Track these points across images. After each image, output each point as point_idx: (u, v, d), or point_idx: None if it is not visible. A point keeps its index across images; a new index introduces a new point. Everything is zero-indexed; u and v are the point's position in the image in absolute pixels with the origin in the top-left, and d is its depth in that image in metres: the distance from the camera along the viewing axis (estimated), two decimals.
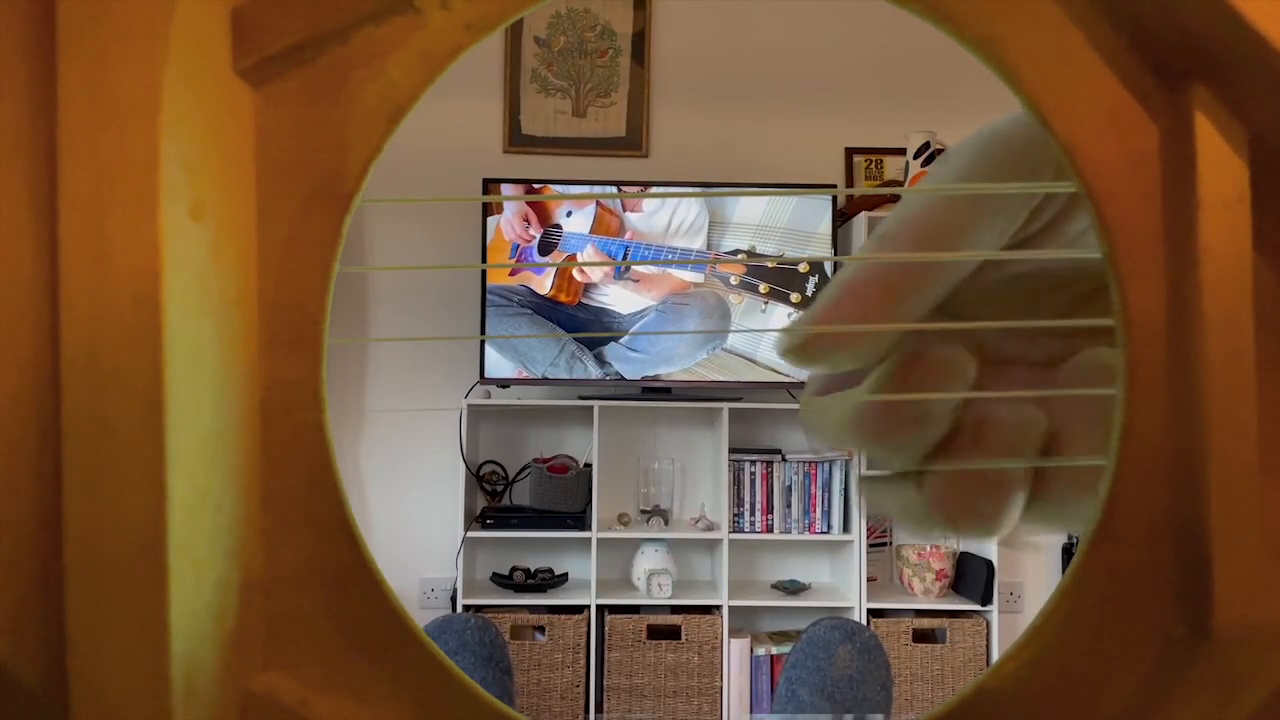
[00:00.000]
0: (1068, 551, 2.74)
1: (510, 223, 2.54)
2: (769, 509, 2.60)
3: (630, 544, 2.61)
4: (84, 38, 0.16)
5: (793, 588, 2.58)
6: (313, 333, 0.19)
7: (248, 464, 0.18)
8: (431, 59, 0.19)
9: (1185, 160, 0.18)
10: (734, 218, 2.57)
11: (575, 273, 2.54)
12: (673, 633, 2.48)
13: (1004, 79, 0.19)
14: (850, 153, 2.87)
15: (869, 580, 2.54)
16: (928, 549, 2.59)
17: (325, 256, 0.19)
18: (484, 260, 2.56)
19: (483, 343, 2.52)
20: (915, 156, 2.60)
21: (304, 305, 0.19)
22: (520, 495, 2.71)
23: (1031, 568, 2.81)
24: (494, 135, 2.82)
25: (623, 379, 2.55)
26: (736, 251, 2.56)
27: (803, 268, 2.51)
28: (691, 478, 2.78)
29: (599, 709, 2.47)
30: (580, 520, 2.54)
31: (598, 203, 2.57)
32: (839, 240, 2.63)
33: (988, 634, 2.52)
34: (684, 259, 2.55)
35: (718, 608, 2.52)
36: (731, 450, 2.56)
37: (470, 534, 2.53)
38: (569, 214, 2.55)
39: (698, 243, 2.57)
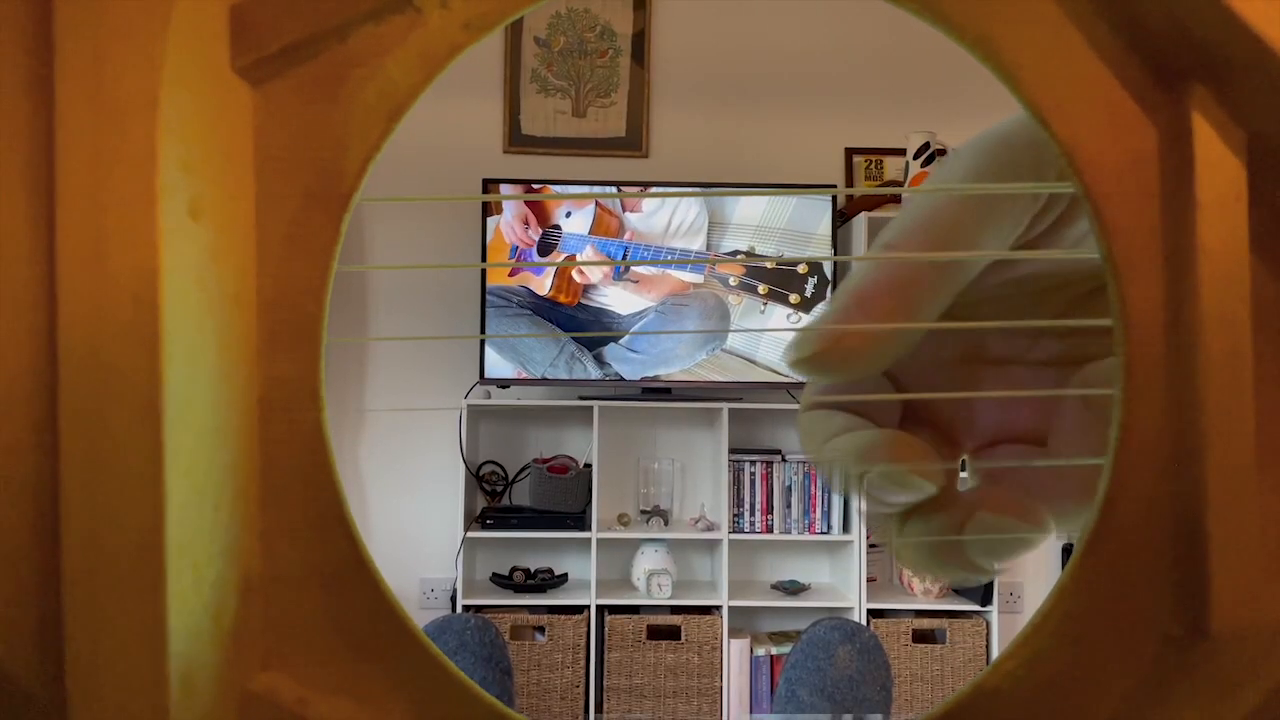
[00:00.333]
0: (1068, 551, 2.73)
1: (510, 225, 2.54)
2: (769, 509, 2.60)
3: (630, 544, 2.61)
4: (82, 37, 0.16)
5: (792, 588, 2.58)
6: (311, 332, 0.19)
7: (246, 463, 0.18)
8: (430, 58, 0.19)
9: (1183, 161, 0.18)
10: (733, 218, 2.57)
11: (575, 273, 2.54)
12: (673, 633, 2.48)
13: (1002, 79, 0.19)
14: (850, 153, 2.87)
15: (869, 580, 2.54)
16: None
17: (324, 256, 0.19)
18: (484, 260, 2.56)
19: (483, 343, 2.52)
20: (915, 157, 2.60)
21: (302, 304, 0.19)
22: (520, 495, 2.71)
23: (1031, 568, 2.81)
24: (494, 135, 2.82)
25: (622, 379, 2.55)
26: (736, 252, 2.56)
27: (801, 268, 2.51)
28: (691, 478, 2.78)
29: (599, 709, 2.46)
30: (580, 520, 2.53)
31: (597, 203, 2.57)
32: (839, 241, 2.63)
33: (987, 634, 2.52)
34: (683, 259, 2.55)
35: (717, 608, 2.52)
36: (731, 450, 2.56)
37: (470, 534, 2.53)
38: (568, 214, 2.55)
39: (697, 243, 2.57)
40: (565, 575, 2.61)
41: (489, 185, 2.59)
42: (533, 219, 2.54)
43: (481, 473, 2.71)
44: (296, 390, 0.19)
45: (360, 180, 0.19)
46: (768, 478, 2.61)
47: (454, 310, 2.74)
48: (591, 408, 2.54)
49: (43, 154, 0.16)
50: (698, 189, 2.65)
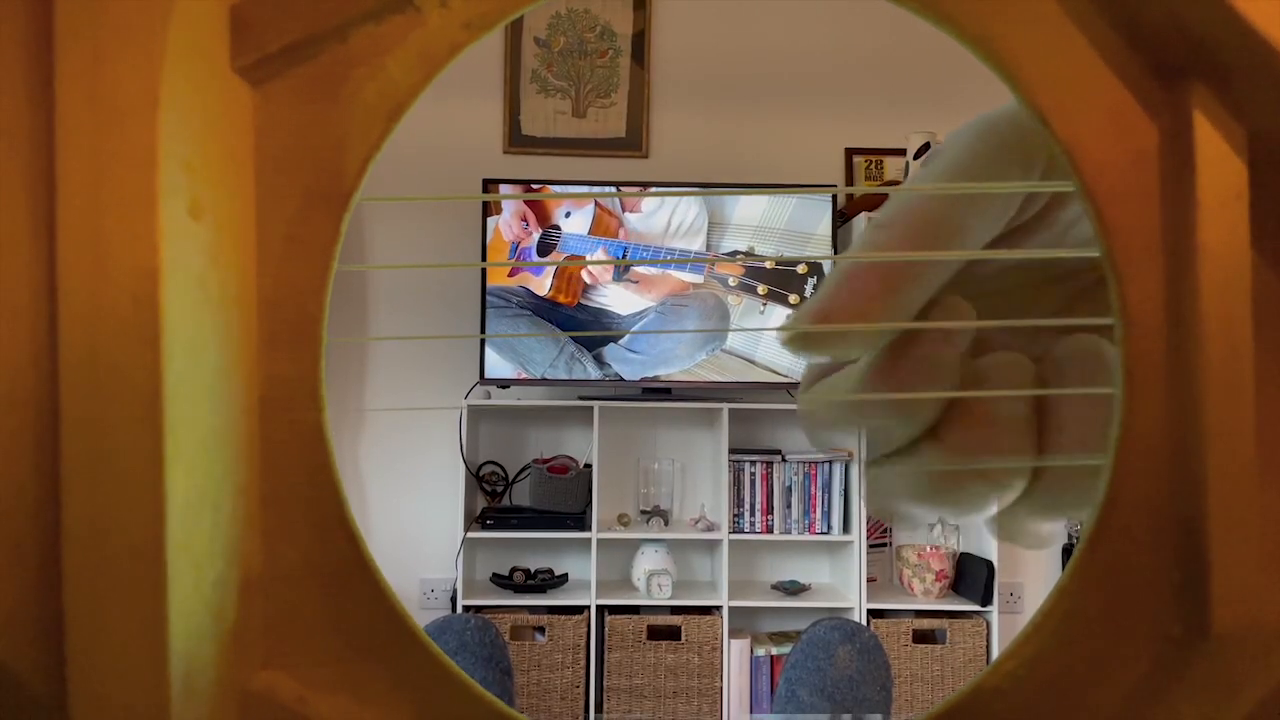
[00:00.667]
0: (1068, 552, 2.73)
1: (509, 224, 2.54)
2: (769, 509, 2.60)
3: (630, 544, 2.61)
4: (82, 36, 0.16)
5: (793, 588, 2.58)
6: (311, 331, 0.19)
7: (246, 463, 0.18)
8: (430, 57, 0.19)
9: (1184, 159, 0.18)
10: (733, 218, 2.57)
11: (584, 272, 2.54)
12: (673, 633, 2.48)
13: (1003, 78, 0.19)
14: (850, 153, 2.87)
15: (869, 581, 2.54)
16: (928, 549, 2.59)
17: (324, 255, 0.19)
18: (484, 260, 2.56)
19: (483, 343, 2.52)
20: (915, 157, 2.60)
21: (303, 304, 0.19)
22: (520, 496, 2.71)
23: (1031, 568, 2.81)
24: (494, 136, 2.82)
25: (622, 380, 2.55)
26: (735, 253, 2.56)
27: (801, 269, 2.51)
28: (691, 478, 2.78)
29: (599, 709, 2.46)
30: (580, 521, 2.54)
31: (596, 203, 2.57)
32: (839, 241, 2.63)
33: (988, 634, 2.52)
34: (682, 260, 2.55)
35: (718, 608, 2.52)
36: (731, 451, 2.56)
37: (470, 534, 2.53)
38: (567, 215, 2.55)
39: (697, 243, 2.57)
40: (565, 575, 2.61)
41: (489, 185, 2.59)
42: (532, 218, 2.54)
43: (482, 473, 2.71)
44: (297, 390, 0.19)
45: (360, 180, 0.19)
46: (768, 478, 2.61)
47: (454, 310, 2.74)
48: (592, 408, 2.54)
49: (43, 154, 0.16)
50: (697, 189, 2.65)
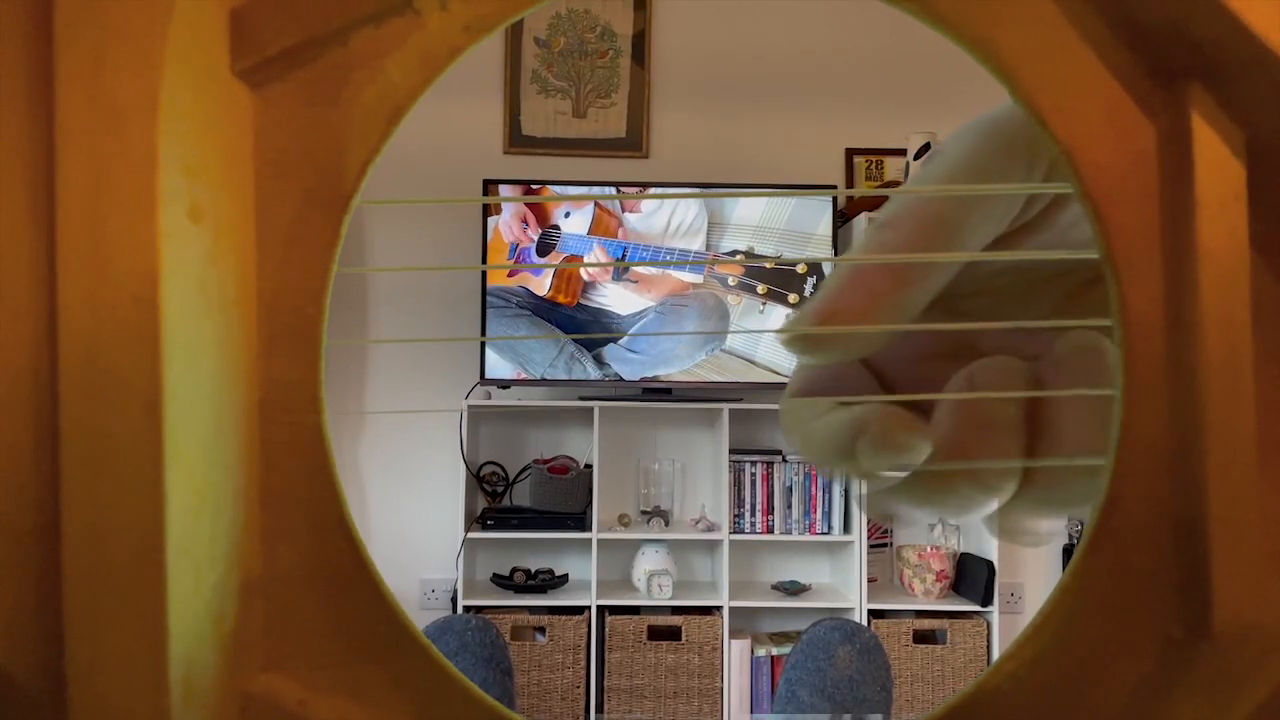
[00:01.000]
0: (1068, 552, 2.73)
1: (509, 224, 2.54)
2: (769, 510, 2.60)
3: (630, 545, 2.61)
4: (82, 39, 0.16)
5: (793, 588, 2.58)
6: (311, 333, 0.19)
7: (246, 465, 0.18)
8: (430, 60, 0.19)
9: (1183, 160, 0.18)
10: (733, 218, 2.57)
11: (583, 271, 2.54)
12: (673, 633, 2.48)
13: (1001, 80, 0.19)
14: (850, 154, 2.87)
15: (869, 581, 2.54)
16: (928, 550, 2.59)
17: (324, 257, 0.19)
18: (484, 261, 2.56)
19: (483, 344, 2.52)
20: (916, 158, 2.60)
21: (302, 306, 0.19)
22: (520, 496, 2.71)
23: (1032, 568, 2.81)
24: (494, 136, 2.82)
25: (622, 380, 2.55)
26: (735, 252, 2.56)
27: (800, 268, 2.51)
28: (692, 478, 2.78)
29: (599, 710, 2.46)
30: (580, 521, 2.53)
31: (596, 204, 2.57)
32: (839, 241, 2.63)
33: (988, 635, 2.52)
34: (682, 260, 2.55)
35: (718, 608, 2.52)
36: (732, 451, 2.56)
37: (470, 535, 2.53)
38: (567, 215, 2.55)
39: (696, 244, 2.57)
40: (566, 576, 2.61)
41: (489, 186, 2.59)
42: (532, 219, 2.54)
43: (482, 473, 2.71)
44: (296, 392, 0.19)
45: (360, 182, 0.19)
46: (768, 478, 2.61)
47: (454, 311, 2.74)
48: (592, 408, 2.54)
49: (43, 156, 0.16)
50: (697, 190, 2.65)
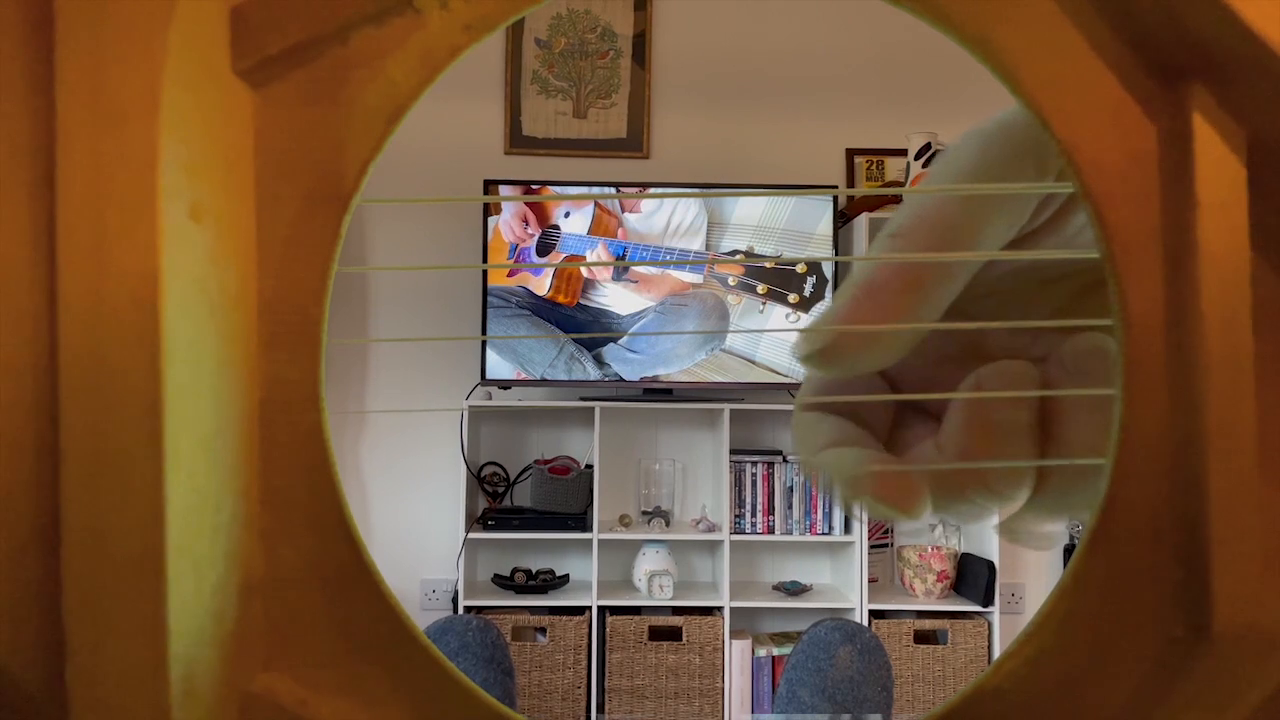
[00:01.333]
0: (1069, 552, 2.73)
1: (509, 224, 2.54)
2: (770, 510, 2.60)
3: (631, 545, 2.61)
4: (83, 38, 0.16)
5: (794, 589, 2.58)
6: (311, 333, 0.19)
7: (247, 464, 0.18)
8: (431, 59, 0.19)
9: (1183, 161, 0.18)
10: (732, 218, 2.57)
11: (579, 271, 2.54)
12: (674, 634, 2.48)
13: (1002, 79, 0.19)
14: (851, 154, 2.87)
15: (870, 581, 2.54)
16: (929, 550, 2.59)
17: (324, 257, 0.19)
18: (484, 262, 2.56)
19: (484, 344, 2.52)
20: (916, 158, 2.60)
21: (303, 306, 0.19)
22: (521, 496, 2.71)
23: (1033, 568, 2.81)
24: (495, 137, 2.82)
25: (622, 380, 2.55)
26: (735, 252, 2.56)
27: (800, 268, 2.51)
28: (692, 479, 2.78)
29: (600, 710, 2.46)
30: (581, 521, 2.53)
31: (596, 203, 2.57)
32: (840, 241, 2.63)
33: (989, 635, 2.52)
34: (682, 260, 2.55)
35: (719, 609, 2.52)
36: (732, 451, 2.56)
37: (471, 535, 2.53)
38: (567, 214, 2.55)
39: (696, 243, 2.57)
40: (566, 576, 2.61)
41: (490, 187, 2.59)
42: (532, 218, 2.54)
43: (483, 474, 2.71)
44: (297, 391, 0.19)
45: (360, 182, 0.19)
46: (769, 478, 2.60)
47: (455, 311, 2.74)
48: (593, 409, 2.54)
49: (44, 156, 0.16)
50: (698, 190, 2.65)
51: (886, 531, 2.73)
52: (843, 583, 2.67)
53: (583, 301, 2.56)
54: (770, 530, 2.60)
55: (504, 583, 2.56)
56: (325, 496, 0.19)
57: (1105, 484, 0.19)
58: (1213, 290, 0.18)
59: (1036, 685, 0.19)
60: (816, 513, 2.60)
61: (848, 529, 2.59)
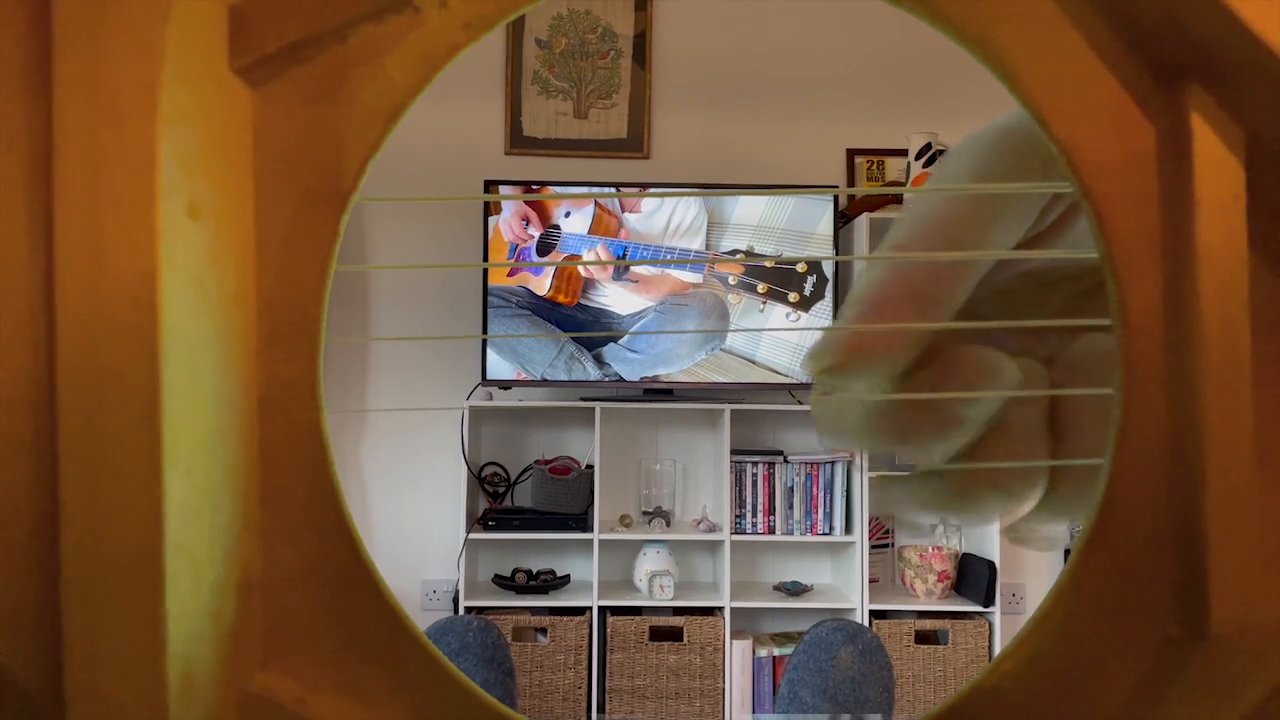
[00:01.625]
0: (1069, 552, 2.73)
1: (509, 223, 2.55)
2: (771, 510, 2.60)
3: (632, 545, 2.61)
4: (81, 36, 0.16)
5: (794, 589, 2.58)
6: (310, 332, 0.19)
7: (246, 464, 0.18)
8: (430, 58, 0.19)
9: (1182, 161, 0.18)
10: (733, 218, 2.57)
11: (579, 271, 2.54)
12: (674, 634, 2.48)
13: (1002, 79, 0.19)
14: (851, 154, 2.87)
15: (871, 581, 2.54)
16: (930, 550, 2.59)
17: (323, 255, 0.19)
18: (485, 261, 2.56)
19: (484, 344, 2.52)
20: (917, 158, 2.60)
21: (302, 304, 0.19)
22: (522, 497, 2.71)
23: (1033, 568, 2.81)
24: (495, 137, 2.82)
25: (623, 380, 2.55)
26: (735, 252, 2.56)
27: (800, 267, 2.51)
28: (693, 479, 2.78)
29: (601, 710, 2.46)
30: (582, 522, 2.53)
31: (596, 203, 2.57)
32: (840, 241, 2.63)
33: (990, 635, 2.52)
34: (683, 259, 2.55)
35: (719, 609, 2.52)
36: (733, 451, 2.56)
37: (472, 535, 2.53)
38: (567, 214, 2.55)
39: (696, 243, 2.57)
40: (567, 576, 2.61)
41: (490, 187, 2.59)
42: (533, 218, 2.55)
43: (483, 474, 2.71)
44: (296, 390, 0.19)
45: (359, 180, 0.19)
46: (769, 479, 2.60)
47: (456, 311, 2.74)
48: (593, 409, 2.54)
49: (42, 154, 0.16)
50: (698, 190, 2.65)
51: (887, 532, 2.73)
52: (843, 583, 2.67)
53: (583, 301, 2.56)
54: (771, 530, 2.60)
55: (505, 583, 2.56)
56: (325, 496, 0.19)
57: (1103, 484, 0.19)
58: (1211, 290, 0.18)
59: (1035, 685, 0.19)
60: (817, 513, 2.60)
61: (849, 529, 2.59)
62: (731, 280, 2.55)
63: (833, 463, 2.60)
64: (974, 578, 2.58)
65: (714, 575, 2.71)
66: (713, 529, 2.59)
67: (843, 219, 2.68)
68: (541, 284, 2.55)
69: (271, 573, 0.19)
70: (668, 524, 2.62)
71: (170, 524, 0.16)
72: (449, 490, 2.69)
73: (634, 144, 2.83)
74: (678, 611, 2.52)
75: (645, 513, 2.68)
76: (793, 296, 2.52)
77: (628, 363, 2.55)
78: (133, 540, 0.16)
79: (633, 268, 2.54)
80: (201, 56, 0.17)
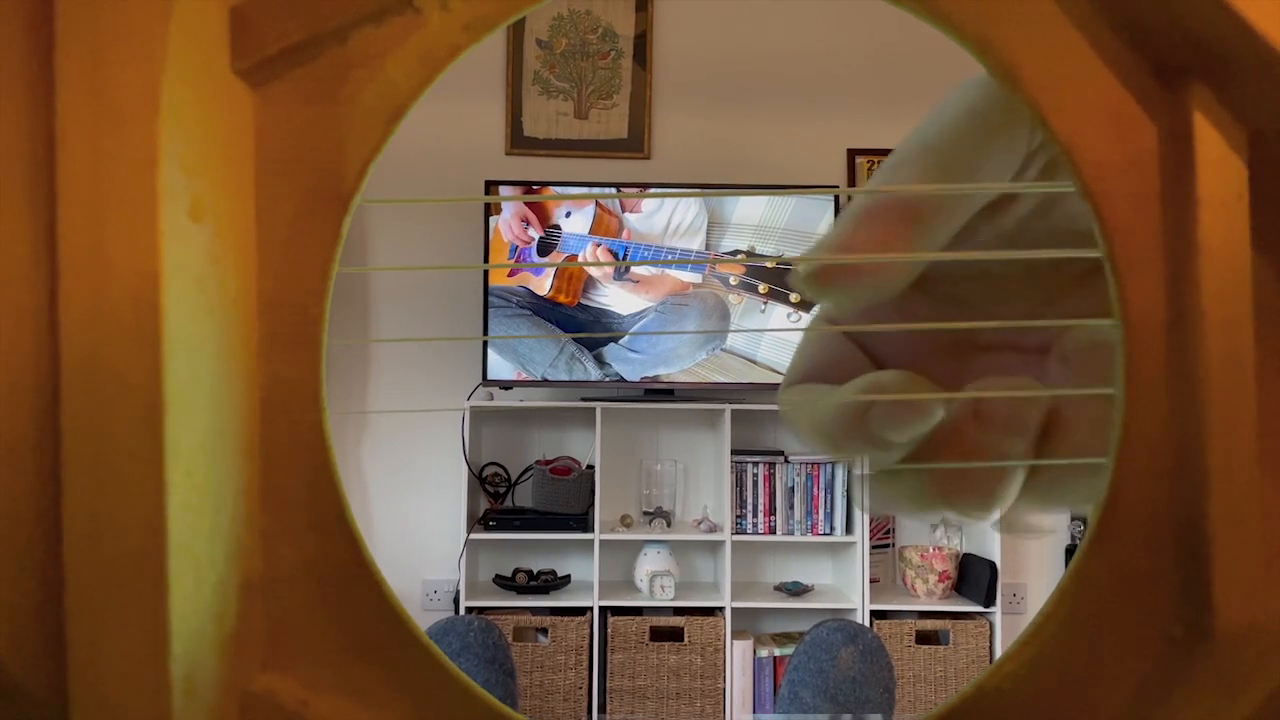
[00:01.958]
0: (1071, 552, 2.73)
1: (509, 224, 2.55)
2: (771, 510, 2.60)
3: (633, 546, 2.61)
4: (83, 38, 0.16)
5: (795, 589, 2.58)
6: (312, 333, 0.19)
7: (247, 464, 0.18)
8: (430, 59, 0.19)
9: (1184, 160, 0.18)
10: (733, 218, 2.58)
11: (580, 271, 2.54)
12: (675, 634, 2.48)
13: (1002, 79, 0.19)
14: (852, 154, 2.87)
15: (872, 582, 2.54)
16: (930, 550, 2.59)
17: (324, 257, 0.19)
18: (486, 261, 2.56)
19: (485, 344, 2.53)
20: None
21: (303, 305, 0.19)
22: (523, 497, 2.71)
23: (1034, 568, 2.81)
24: (496, 137, 2.82)
25: (623, 380, 2.55)
26: (735, 252, 2.56)
27: None
28: (694, 479, 2.78)
29: (601, 710, 2.46)
30: (583, 522, 2.53)
31: (597, 203, 2.57)
32: None
33: (991, 635, 2.52)
34: (683, 259, 2.55)
35: (720, 609, 2.52)
36: (734, 451, 2.56)
37: (473, 536, 2.53)
38: (568, 215, 2.55)
39: (696, 243, 2.57)
40: (568, 577, 2.61)
41: (491, 187, 2.60)
42: (533, 218, 2.55)
43: (484, 474, 2.71)
44: (297, 391, 0.19)
45: (360, 181, 0.19)
46: (770, 479, 2.60)
47: (457, 312, 2.74)
48: (594, 409, 2.54)
49: (43, 156, 0.16)
50: (698, 190, 2.65)
51: (888, 532, 2.73)
52: (844, 583, 2.67)
53: (583, 301, 2.56)
54: (772, 530, 2.60)
55: (505, 583, 2.56)
56: (326, 496, 0.19)
57: (1106, 484, 0.19)
58: (1214, 290, 0.18)
59: (1037, 685, 0.19)
60: (818, 513, 2.60)
61: (849, 529, 2.59)
62: (732, 280, 2.55)
63: (833, 463, 2.60)
64: (975, 578, 2.58)
65: (715, 575, 2.71)
66: (713, 529, 2.59)
67: None
68: (542, 284, 2.55)
69: (273, 573, 0.19)
70: (668, 524, 2.62)
71: (172, 524, 0.16)
72: (450, 490, 2.69)
73: (634, 144, 2.83)
74: (678, 612, 2.52)
75: (646, 513, 2.68)
76: (794, 297, 2.52)
77: (628, 363, 2.55)
78: (135, 541, 0.16)
79: (633, 268, 2.55)
80: (203, 58, 0.17)
